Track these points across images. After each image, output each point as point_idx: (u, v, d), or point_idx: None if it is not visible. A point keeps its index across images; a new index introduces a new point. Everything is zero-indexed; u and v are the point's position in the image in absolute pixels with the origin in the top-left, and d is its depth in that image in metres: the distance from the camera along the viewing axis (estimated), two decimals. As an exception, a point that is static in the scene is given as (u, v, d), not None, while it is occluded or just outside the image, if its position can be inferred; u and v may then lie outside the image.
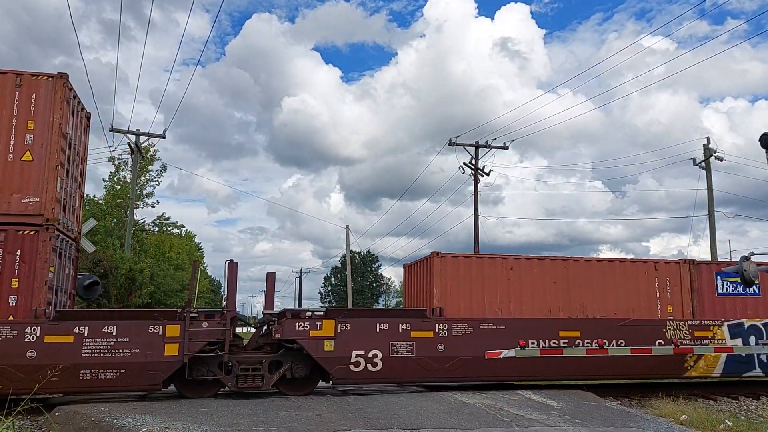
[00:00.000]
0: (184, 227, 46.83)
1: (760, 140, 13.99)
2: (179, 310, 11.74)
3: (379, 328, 12.17)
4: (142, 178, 38.27)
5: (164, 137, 29.18)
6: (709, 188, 29.49)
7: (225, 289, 13.07)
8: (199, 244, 60.01)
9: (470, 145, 30.47)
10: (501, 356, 12.52)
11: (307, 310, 12.65)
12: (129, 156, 31.90)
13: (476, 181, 30.11)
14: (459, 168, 30.67)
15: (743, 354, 13.66)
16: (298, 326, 11.86)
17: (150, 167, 38.97)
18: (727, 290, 14.92)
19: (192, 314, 11.55)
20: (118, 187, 37.82)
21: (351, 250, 50.63)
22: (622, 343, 13.09)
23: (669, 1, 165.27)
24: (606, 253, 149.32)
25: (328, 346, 11.90)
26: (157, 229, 42.64)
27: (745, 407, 12.41)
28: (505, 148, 30.75)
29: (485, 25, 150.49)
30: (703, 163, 29.68)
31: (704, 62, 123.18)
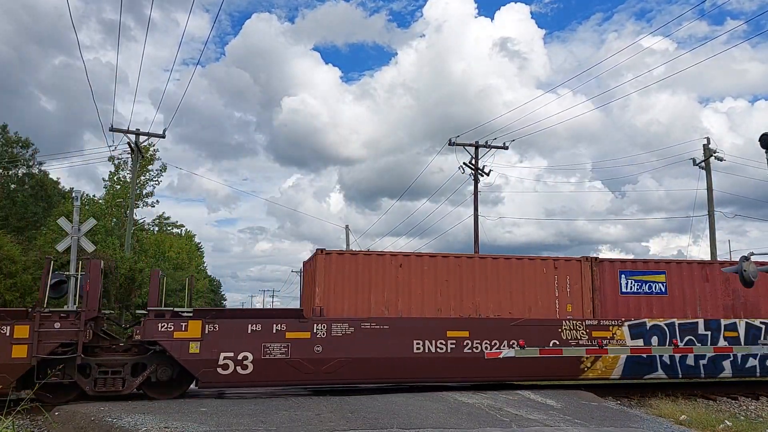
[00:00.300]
0: (183, 227, 46.96)
1: (760, 140, 13.99)
2: (29, 310, 11.32)
3: (251, 330, 11.74)
4: (142, 177, 38.29)
5: (164, 137, 29.16)
6: (709, 188, 29.49)
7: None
8: (199, 243, 60.11)
9: (470, 144, 30.45)
10: (386, 357, 12.07)
11: (173, 310, 12.27)
12: (129, 156, 31.86)
13: (476, 181, 30.10)
14: (459, 168, 30.64)
15: (644, 355, 13.12)
16: (161, 327, 11.41)
17: (150, 167, 38.99)
18: (631, 289, 14.33)
19: (44, 314, 11.09)
20: (118, 186, 37.84)
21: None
22: (514, 343, 12.61)
23: (669, 2, 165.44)
24: (606, 252, 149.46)
25: (194, 348, 11.44)
26: (156, 228, 42.69)
27: (744, 407, 12.41)
28: (505, 148, 30.73)
29: (485, 25, 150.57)
30: (703, 163, 29.68)
31: (704, 62, 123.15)
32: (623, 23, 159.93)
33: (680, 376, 13.20)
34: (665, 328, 13.44)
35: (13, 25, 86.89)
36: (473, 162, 30.33)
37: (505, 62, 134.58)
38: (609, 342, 13.02)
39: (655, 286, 14.36)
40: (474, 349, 12.49)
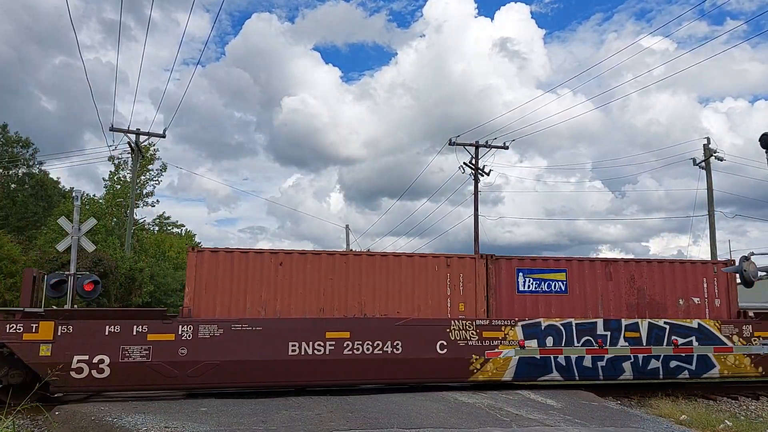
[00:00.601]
0: (184, 226, 46.96)
1: (760, 140, 14.01)
2: None
3: (109, 331, 11.07)
4: (142, 177, 38.32)
5: (164, 137, 29.19)
6: (709, 188, 29.50)
7: None
8: (199, 243, 60.10)
9: (470, 144, 30.47)
10: (258, 360, 11.46)
11: (23, 310, 11.71)
12: (129, 155, 31.89)
13: (476, 181, 30.12)
14: (459, 168, 30.69)
15: (538, 356, 12.53)
16: (9, 328, 10.80)
17: (150, 167, 39.03)
18: (529, 287, 13.89)
19: None
20: (118, 186, 37.84)
21: (351, 250, 50.61)
22: (398, 344, 12.00)
23: (669, 2, 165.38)
24: (605, 252, 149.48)
25: (45, 350, 10.81)
26: (157, 228, 42.73)
27: (744, 407, 12.41)
28: (505, 147, 30.76)
29: (485, 25, 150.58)
30: (703, 163, 29.70)
31: (704, 62, 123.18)
32: (623, 23, 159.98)
33: (577, 378, 12.64)
34: (561, 328, 12.80)
35: (13, 24, 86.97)
36: (473, 162, 30.36)
37: (505, 62, 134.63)
38: (501, 343, 12.43)
39: (555, 285, 14.01)
40: (355, 351, 11.88)
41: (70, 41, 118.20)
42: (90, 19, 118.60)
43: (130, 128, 28.91)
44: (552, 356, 12.60)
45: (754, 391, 13.66)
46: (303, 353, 11.69)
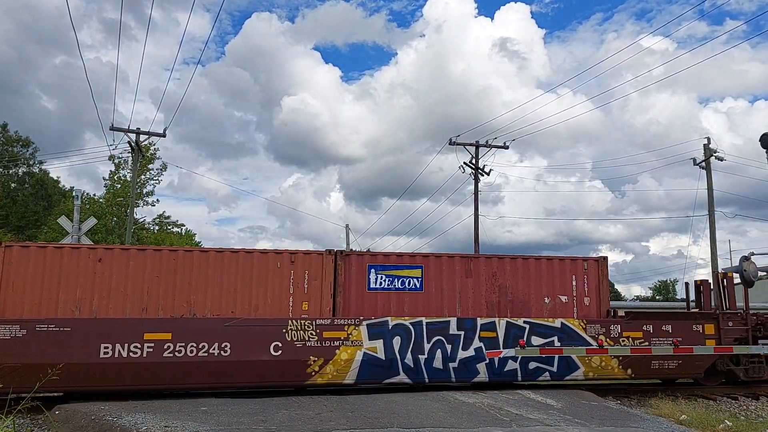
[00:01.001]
0: (184, 226, 46.94)
1: (760, 140, 14.01)
2: None
3: None
4: (143, 176, 38.35)
5: (164, 136, 29.17)
6: (709, 188, 29.50)
7: None
8: (200, 243, 60.07)
9: (470, 144, 30.48)
10: (65, 363, 10.60)
11: None
12: (129, 155, 31.92)
13: (476, 181, 30.12)
14: (459, 167, 30.68)
15: (383, 358, 11.89)
16: None
17: (150, 166, 39.06)
18: (380, 285, 13.20)
19: None
20: (119, 185, 37.90)
21: (351, 249, 50.60)
22: (226, 346, 11.32)
23: (669, 2, 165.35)
24: (605, 252, 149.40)
25: None
26: (157, 227, 42.71)
27: (744, 407, 12.41)
28: (506, 147, 30.76)
29: (485, 25, 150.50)
30: (703, 163, 29.70)
31: (704, 62, 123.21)
32: (623, 23, 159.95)
33: (427, 380, 12.05)
34: (410, 327, 12.16)
35: (14, 24, 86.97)
36: (473, 161, 30.37)
37: (504, 62, 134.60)
38: (342, 343, 11.82)
39: (410, 282, 13.35)
40: (177, 353, 11.13)
41: (70, 41, 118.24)
42: (90, 18, 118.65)
43: (131, 128, 28.91)
44: (398, 357, 11.99)
45: (755, 391, 13.66)
46: (117, 356, 10.91)
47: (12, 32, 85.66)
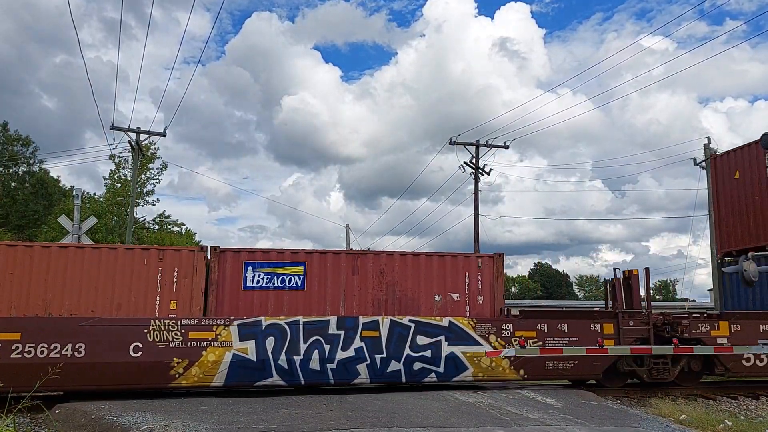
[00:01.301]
0: (184, 225, 46.95)
1: (760, 140, 14.00)
2: None
3: None
4: (143, 176, 38.35)
5: (164, 135, 29.20)
6: (709, 188, 29.48)
7: None
8: (200, 242, 60.12)
9: (471, 144, 30.47)
10: None
11: None
12: (129, 154, 31.94)
13: (476, 180, 30.12)
14: (459, 167, 30.69)
15: (254, 359, 11.32)
16: None
17: (150, 165, 39.05)
18: (258, 283, 12.75)
19: None
20: (119, 185, 37.90)
21: (351, 249, 50.66)
22: (81, 347, 10.69)
23: (669, 2, 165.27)
24: (605, 252, 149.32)
25: None
26: (157, 227, 42.73)
27: (744, 407, 12.40)
28: (506, 147, 30.75)
29: (485, 25, 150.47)
30: (703, 163, 29.68)
31: (703, 62, 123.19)
32: (623, 23, 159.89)
33: (302, 382, 11.51)
34: (286, 327, 11.53)
35: (14, 23, 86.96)
36: (474, 161, 30.36)
37: (504, 62, 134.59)
38: (210, 344, 11.22)
39: (291, 280, 12.97)
40: (26, 354, 10.53)
41: (70, 40, 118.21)
42: (91, 17, 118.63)
43: (131, 127, 28.93)
44: (272, 358, 11.40)
45: (754, 391, 13.66)
46: None
47: (12, 31, 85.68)
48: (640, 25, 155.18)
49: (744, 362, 13.37)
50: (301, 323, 11.67)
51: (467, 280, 13.74)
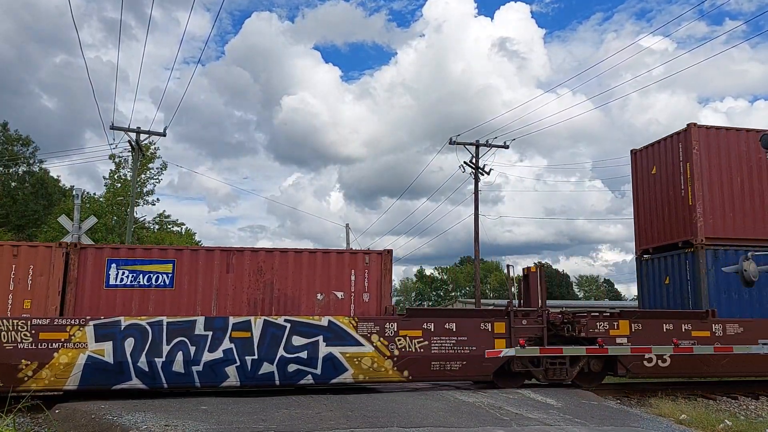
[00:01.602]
0: (184, 225, 46.96)
1: (760, 140, 14.02)
2: None
3: None
4: (143, 175, 38.34)
5: (164, 135, 29.18)
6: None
7: None
8: (200, 242, 60.12)
9: (471, 144, 30.45)
10: None
11: None
12: (129, 154, 31.94)
13: (476, 180, 30.11)
14: (459, 167, 30.65)
15: (111, 361, 10.73)
16: None
17: (150, 165, 39.05)
18: (122, 281, 12.23)
19: None
20: (119, 184, 37.90)
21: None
22: None
23: (669, 2, 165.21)
24: (605, 252, 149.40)
25: None
26: (157, 227, 42.73)
27: (744, 407, 12.41)
28: (506, 147, 30.73)
29: (485, 25, 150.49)
30: (703, 163, 29.66)
31: (703, 62, 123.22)
32: (623, 23, 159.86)
33: (165, 385, 10.95)
34: (147, 328, 10.94)
35: (14, 23, 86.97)
36: (474, 161, 30.35)
37: (504, 62, 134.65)
38: (64, 345, 10.64)
39: (158, 278, 12.46)
40: None
41: (71, 40, 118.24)
42: (91, 17, 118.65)
43: (131, 127, 28.92)
44: (130, 360, 10.83)
45: (754, 391, 13.67)
46: None
47: (12, 31, 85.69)
48: (640, 25, 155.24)
49: (645, 363, 12.88)
50: (165, 323, 11.11)
51: (353, 278, 13.29)
